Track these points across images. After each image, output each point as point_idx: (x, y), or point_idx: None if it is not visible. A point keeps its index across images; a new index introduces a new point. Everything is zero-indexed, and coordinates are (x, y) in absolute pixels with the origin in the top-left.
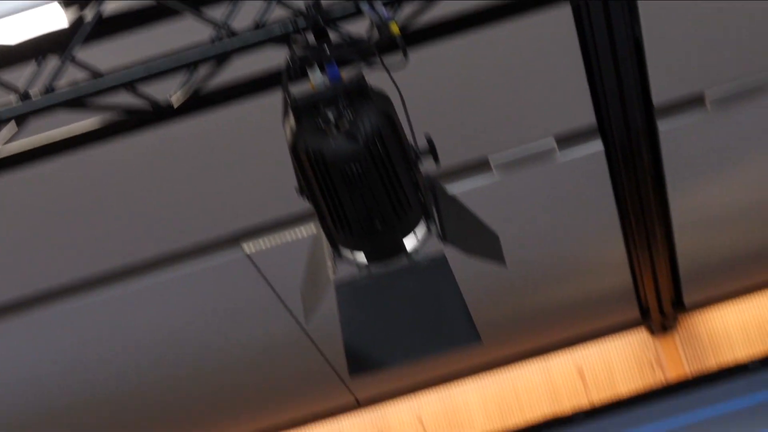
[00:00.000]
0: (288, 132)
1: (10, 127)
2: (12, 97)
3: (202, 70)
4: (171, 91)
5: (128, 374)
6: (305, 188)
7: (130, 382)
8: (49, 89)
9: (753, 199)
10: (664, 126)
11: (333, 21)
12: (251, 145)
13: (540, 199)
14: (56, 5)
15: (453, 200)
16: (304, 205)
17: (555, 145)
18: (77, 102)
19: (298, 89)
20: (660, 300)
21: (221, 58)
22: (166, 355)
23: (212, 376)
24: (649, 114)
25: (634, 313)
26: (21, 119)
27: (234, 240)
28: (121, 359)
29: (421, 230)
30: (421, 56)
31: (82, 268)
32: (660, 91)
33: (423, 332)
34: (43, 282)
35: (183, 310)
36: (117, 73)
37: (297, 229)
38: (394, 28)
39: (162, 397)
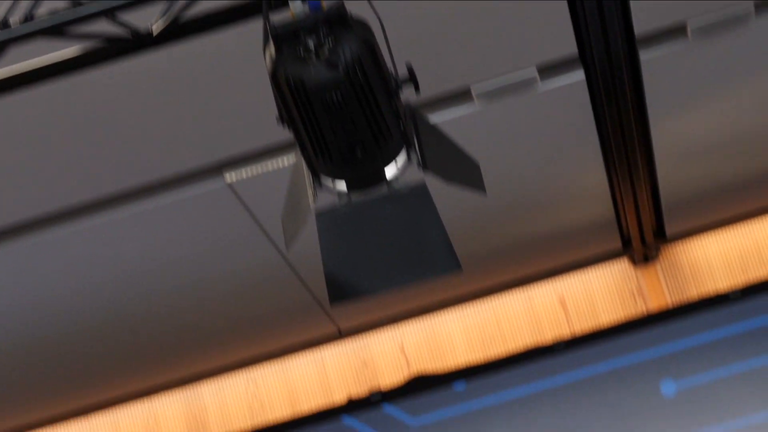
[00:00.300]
0: (268, 60)
1: None
2: None
3: None
4: (152, 19)
5: (108, 304)
6: (286, 117)
7: (110, 312)
8: (28, 17)
9: (734, 129)
10: (645, 56)
11: None
12: (232, 74)
13: (521, 128)
14: None
15: (434, 129)
16: (286, 134)
17: (537, 74)
18: (57, 30)
19: (278, 18)
20: (642, 230)
21: None
22: (146, 285)
23: (193, 306)
24: (630, 43)
25: (616, 243)
26: (1, 47)
27: (216, 169)
28: (100, 289)
29: (401, 159)
30: None
31: (61, 197)
32: (642, 21)
33: (403, 261)
34: (21, 212)
35: (164, 240)
36: (97, 1)
37: (279, 159)
38: None
39: (142, 328)
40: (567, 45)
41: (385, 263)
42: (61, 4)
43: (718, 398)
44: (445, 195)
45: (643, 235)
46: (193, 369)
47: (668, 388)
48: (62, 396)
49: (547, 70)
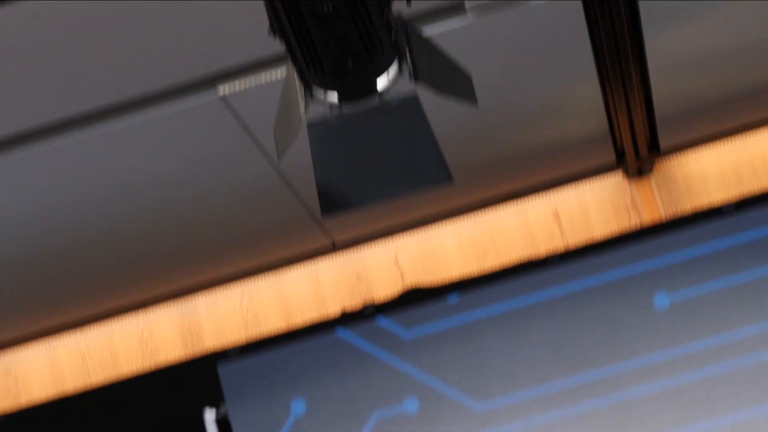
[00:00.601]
0: None
1: None
2: None
3: None
4: None
5: (100, 218)
6: (277, 28)
7: (103, 226)
8: None
9: (729, 43)
10: None
11: None
12: None
13: (515, 42)
14: None
15: (426, 41)
16: (280, 46)
17: None
18: None
19: None
20: (636, 143)
21: None
22: (139, 199)
23: (186, 220)
24: None
25: (610, 156)
26: None
27: (209, 82)
28: (92, 203)
29: (393, 70)
30: None
31: (51, 111)
32: None
33: (395, 172)
34: (8, 126)
35: (156, 153)
36: None
37: (274, 71)
38: None
39: (135, 241)
40: None
41: (377, 175)
42: None
43: (711, 311)
44: (437, 107)
45: (637, 149)
46: (187, 281)
47: (661, 301)
48: (55, 309)
49: None
